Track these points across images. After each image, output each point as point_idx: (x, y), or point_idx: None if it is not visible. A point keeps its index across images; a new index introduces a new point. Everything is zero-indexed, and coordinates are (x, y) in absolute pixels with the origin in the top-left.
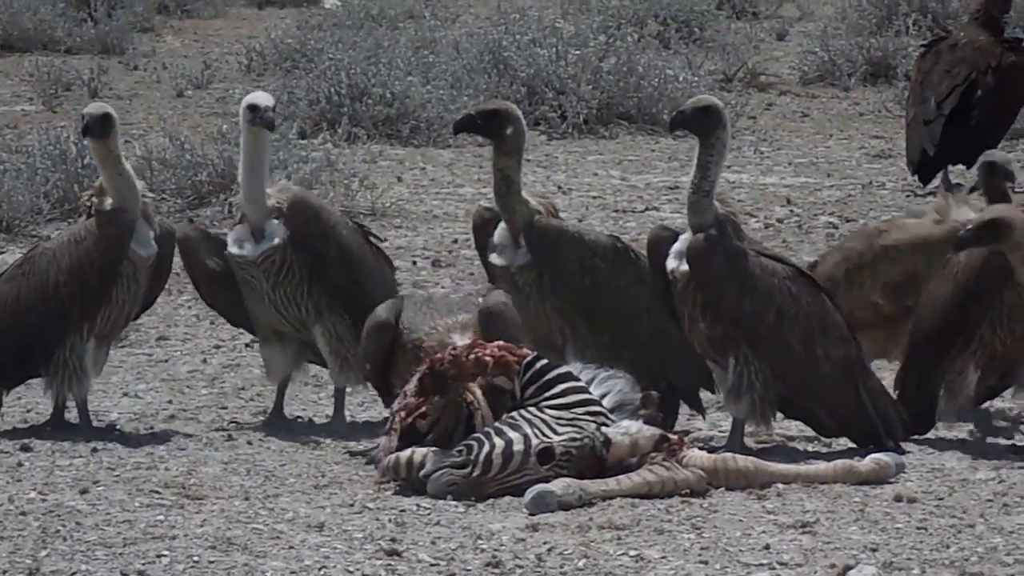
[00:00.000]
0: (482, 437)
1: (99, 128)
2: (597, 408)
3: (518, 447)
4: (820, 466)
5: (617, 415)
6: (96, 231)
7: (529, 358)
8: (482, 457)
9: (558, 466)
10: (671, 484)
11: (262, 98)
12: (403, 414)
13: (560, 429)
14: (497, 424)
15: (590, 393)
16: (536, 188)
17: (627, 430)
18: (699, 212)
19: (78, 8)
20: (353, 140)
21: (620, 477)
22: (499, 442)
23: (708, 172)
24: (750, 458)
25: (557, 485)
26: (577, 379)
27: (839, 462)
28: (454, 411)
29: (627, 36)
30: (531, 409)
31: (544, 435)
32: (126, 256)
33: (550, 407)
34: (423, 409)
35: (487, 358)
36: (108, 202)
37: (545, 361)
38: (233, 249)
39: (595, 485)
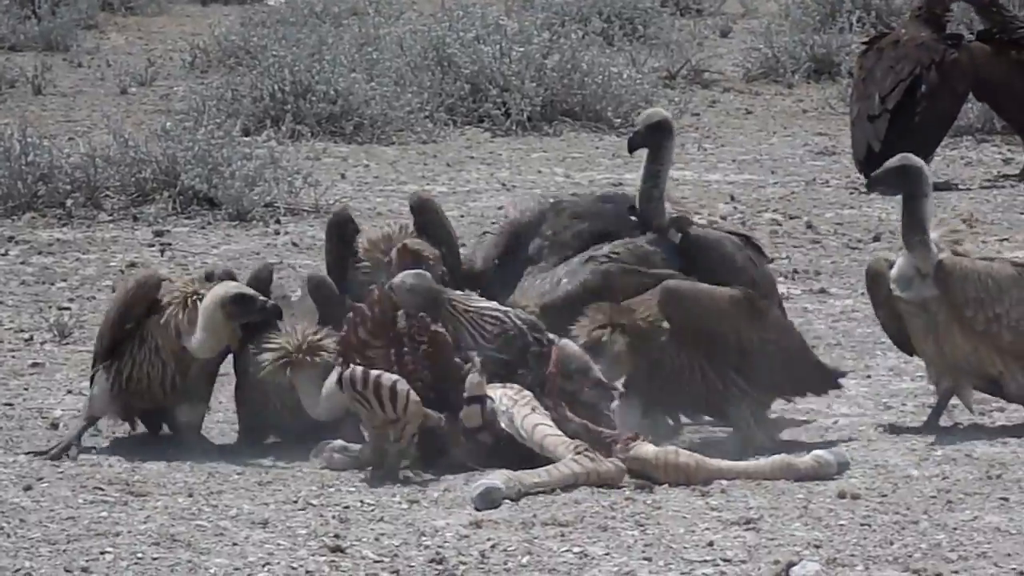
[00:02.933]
0: None
1: None
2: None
3: None
4: (759, 462)
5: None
6: None
7: None
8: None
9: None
10: (595, 476)
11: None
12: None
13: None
14: None
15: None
16: (480, 185)
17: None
18: (655, 217)
19: (22, 5)
20: (297, 137)
21: (549, 468)
22: None
23: (658, 180)
24: (694, 454)
25: (499, 479)
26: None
27: (777, 457)
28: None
29: (571, 33)
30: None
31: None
32: None
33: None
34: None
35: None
36: None
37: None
38: None
39: (529, 477)
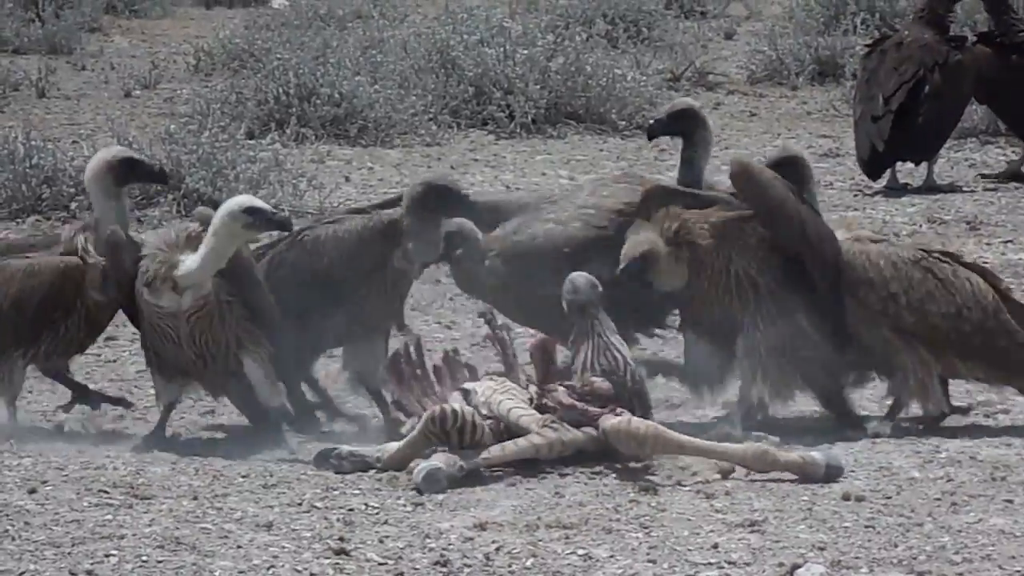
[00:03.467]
0: None
1: None
2: None
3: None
4: (736, 446)
5: None
6: None
7: None
8: None
9: None
10: (559, 446)
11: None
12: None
13: None
14: None
15: None
16: (484, 188)
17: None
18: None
19: (26, 8)
20: (301, 140)
21: (505, 443)
22: None
23: (692, 167)
24: (653, 425)
25: (440, 460)
26: None
27: (753, 445)
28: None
29: (575, 35)
30: None
31: None
32: None
33: None
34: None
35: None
36: None
37: None
38: None
39: (483, 453)
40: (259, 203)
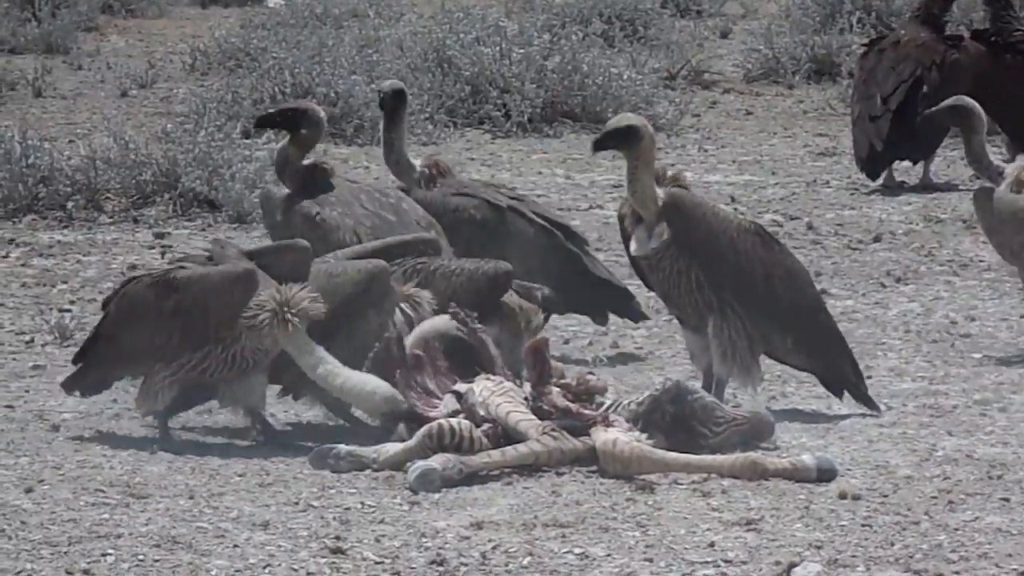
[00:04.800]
0: None
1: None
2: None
3: None
4: (719, 458)
5: None
6: None
7: None
8: None
9: None
10: (558, 454)
11: None
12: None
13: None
14: None
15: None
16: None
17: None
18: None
19: (22, 7)
20: None
21: (505, 448)
22: None
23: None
24: (638, 445)
25: (437, 461)
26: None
27: (741, 455)
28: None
29: (571, 34)
30: None
31: None
32: None
33: None
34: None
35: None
36: None
37: None
38: None
39: (476, 459)
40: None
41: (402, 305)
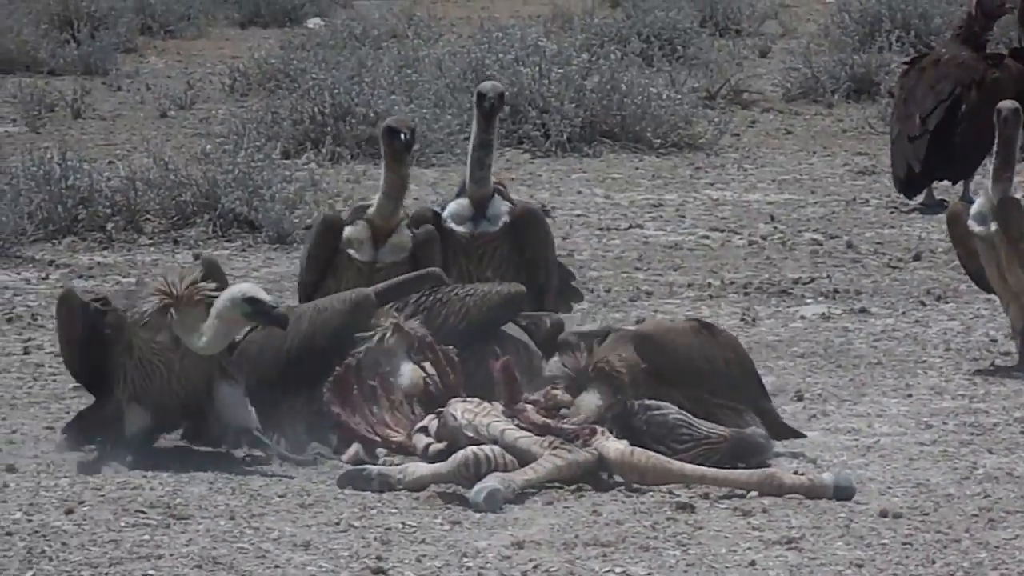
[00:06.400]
0: None
1: None
2: None
3: None
4: (735, 472)
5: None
6: None
7: None
8: None
9: None
10: (575, 466)
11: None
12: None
13: None
14: None
15: None
16: None
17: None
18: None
19: (61, 29)
20: (337, 159)
21: (533, 465)
22: None
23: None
24: (654, 455)
25: (496, 481)
26: None
27: (759, 470)
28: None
29: (610, 54)
30: None
31: None
32: None
33: None
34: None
35: None
36: None
37: None
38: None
39: (520, 475)
40: (261, 295)
41: (387, 335)
